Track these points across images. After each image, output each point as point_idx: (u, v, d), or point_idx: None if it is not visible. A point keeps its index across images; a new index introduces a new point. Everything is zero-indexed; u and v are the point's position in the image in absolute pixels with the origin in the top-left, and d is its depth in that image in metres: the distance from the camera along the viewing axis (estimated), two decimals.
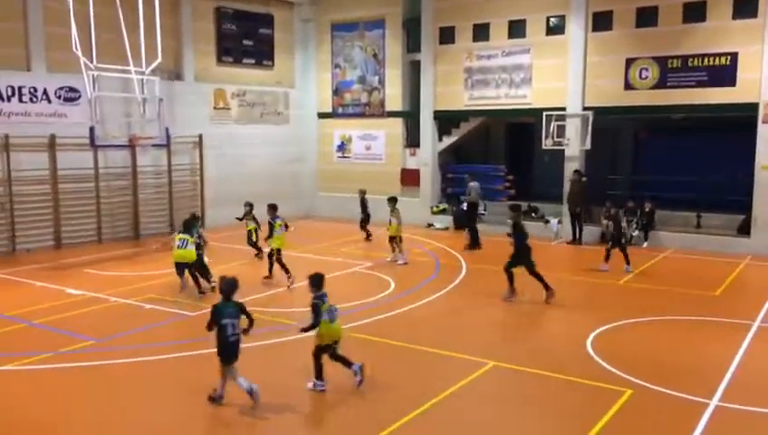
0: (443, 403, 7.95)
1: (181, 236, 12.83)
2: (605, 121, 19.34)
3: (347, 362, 8.38)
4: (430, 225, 21.77)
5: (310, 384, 8.35)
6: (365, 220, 19.37)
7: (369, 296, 12.81)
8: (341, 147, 24.27)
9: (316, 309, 8.17)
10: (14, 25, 17.19)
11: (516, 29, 20.23)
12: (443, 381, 8.55)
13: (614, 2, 18.63)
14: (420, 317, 11.71)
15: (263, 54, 23.03)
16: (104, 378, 8.88)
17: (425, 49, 21.87)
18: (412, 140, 22.88)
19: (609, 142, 20.91)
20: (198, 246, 13.06)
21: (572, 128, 19.24)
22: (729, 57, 17.19)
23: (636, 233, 18.45)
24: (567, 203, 19.19)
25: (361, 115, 23.58)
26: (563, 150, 19.59)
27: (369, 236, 19.16)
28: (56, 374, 8.96)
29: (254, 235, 16.42)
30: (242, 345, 7.96)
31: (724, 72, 17.27)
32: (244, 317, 8.05)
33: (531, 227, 19.96)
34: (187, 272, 12.85)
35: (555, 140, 19.38)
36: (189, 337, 10.42)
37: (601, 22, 18.87)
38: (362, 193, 19.60)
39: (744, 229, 17.64)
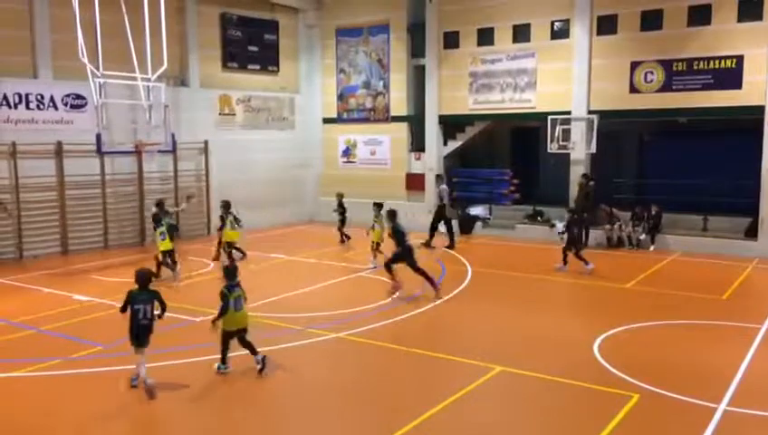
0: (450, 409, 7.94)
1: (161, 230, 14.32)
2: (610, 125, 19.32)
3: (253, 350, 9.06)
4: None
5: (215, 367, 9.05)
6: (342, 223, 19.46)
7: (374, 301, 12.80)
8: (346, 152, 24.30)
9: (223, 298, 8.92)
10: (21, 33, 17.30)
11: (521, 33, 20.24)
12: (449, 386, 8.54)
13: (619, 5, 18.63)
14: (426, 322, 11.70)
15: (268, 60, 23.09)
16: (113, 383, 8.88)
17: (429, 54, 21.90)
18: (417, 145, 22.89)
19: (615, 146, 20.87)
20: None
21: (578, 131, 19.23)
22: (735, 60, 17.16)
23: (643, 236, 18.40)
24: (574, 206, 19.12)
25: (366, 120, 23.61)
26: (569, 154, 19.57)
27: (344, 238, 19.18)
28: (65, 380, 8.99)
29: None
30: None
31: (729, 75, 17.23)
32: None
33: (536, 230, 20.24)
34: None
35: (560, 143, 19.36)
36: (195, 342, 10.43)
37: (606, 25, 18.86)
38: (340, 196, 19.79)
39: (752, 232, 17.58)
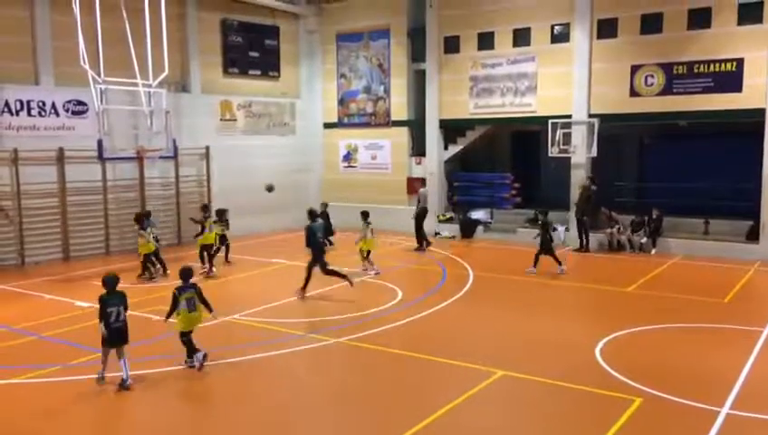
0: (451, 413, 7.92)
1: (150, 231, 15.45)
2: (611, 128, 19.32)
3: (194, 349, 9.49)
4: (437, 233, 21.76)
5: (183, 363, 9.46)
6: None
7: (376, 306, 12.79)
8: (347, 157, 24.32)
9: (174, 298, 9.44)
10: (23, 40, 17.35)
11: (521, 37, 20.27)
12: (451, 390, 8.53)
13: (619, 9, 18.65)
14: (428, 326, 11.69)
15: (268, 65, 23.14)
16: (112, 390, 8.88)
17: (430, 58, 21.94)
18: (418, 149, 22.91)
19: (616, 149, 20.88)
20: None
21: (578, 135, 19.23)
22: (735, 63, 17.17)
23: (644, 240, 18.39)
24: (575, 208, 19.13)
25: (367, 125, 23.64)
26: (569, 158, 19.57)
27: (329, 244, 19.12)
28: (66, 387, 8.98)
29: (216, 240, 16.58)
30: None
31: (729, 78, 17.24)
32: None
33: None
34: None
35: (561, 147, 19.37)
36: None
37: (606, 29, 18.88)
38: (324, 206, 19.77)
39: (753, 235, 17.55)
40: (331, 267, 13.72)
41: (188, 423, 7.95)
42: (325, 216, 19.33)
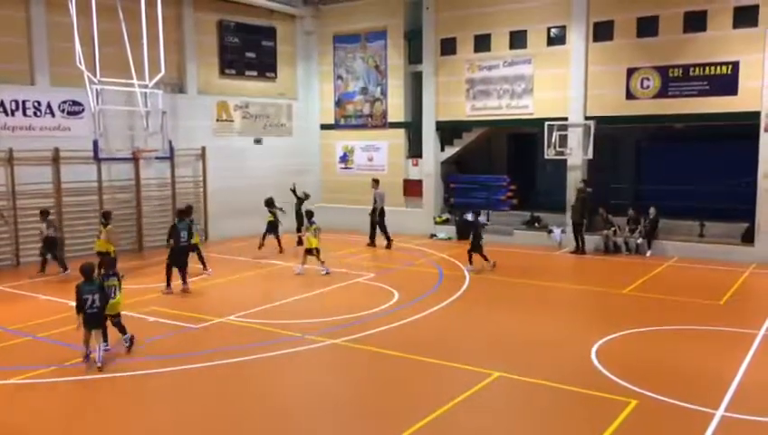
0: (448, 415, 7.92)
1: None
2: (607, 131, 19.36)
3: (123, 330, 10.24)
4: (433, 235, 21.78)
5: (123, 342, 10.23)
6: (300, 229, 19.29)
7: (372, 307, 12.79)
8: (344, 158, 24.32)
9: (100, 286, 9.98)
10: (18, 40, 17.30)
11: (517, 39, 20.30)
12: (448, 392, 8.53)
13: (615, 12, 18.70)
14: (425, 328, 11.69)
15: (265, 67, 23.12)
16: (108, 391, 8.87)
17: (426, 60, 21.95)
18: (414, 151, 22.92)
19: (612, 152, 20.92)
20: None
21: (574, 137, 19.26)
22: (730, 66, 17.23)
23: (639, 241, 18.43)
24: (571, 211, 19.18)
25: (364, 126, 23.65)
26: (566, 160, 19.61)
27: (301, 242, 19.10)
28: (60, 388, 8.96)
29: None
30: None
31: (725, 81, 17.29)
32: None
33: (534, 236, 20.26)
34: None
35: (557, 149, 19.39)
36: (193, 350, 10.42)
37: (602, 32, 18.93)
38: (305, 196, 20.13)
39: (748, 238, 17.61)
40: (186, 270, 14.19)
41: (186, 425, 7.92)
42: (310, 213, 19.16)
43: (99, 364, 9.43)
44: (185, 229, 14.45)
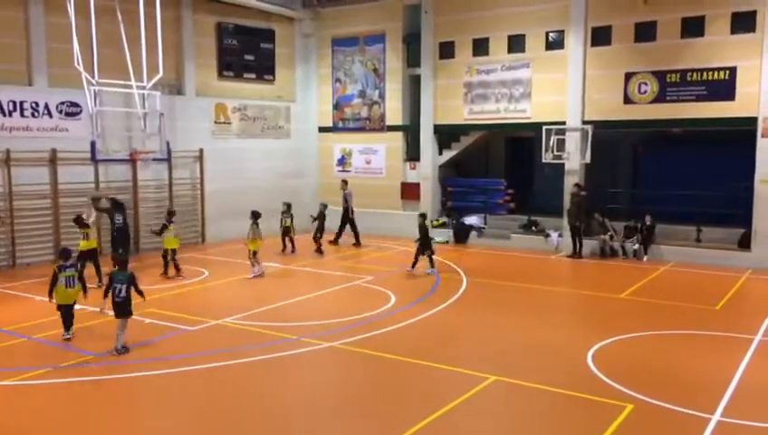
0: (444, 418, 7.91)
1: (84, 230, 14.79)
2: (605, 135, 19.39)
3: (69, 324, 10.91)
4: (431, 238, 21.75)
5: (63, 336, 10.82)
6: (319, 232, 19.55)
7: (369, 310, 12.78)
8: (342, 161, 24.32)
9: (53, 275, 10.77)
10: (17, 41, 17.27)
11: (516, 44, 20.33)
12: (444, 395, 8.52)
13: (613, 17, 18.74)
14: (421, 331, 11.68)
15: (264, 69, 23.12)
16: (104, 392, 8.86)
17: (425, 63, 21.98)
18: (412, 154, 22.93)
19: (609, 156, 20.94)
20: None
21: (572, 142, 19.28)
22: (728, 71, 17.27)
23: (636, 246, 18.45)
24: (567, 216, 19.21)
25: (362, 129, 23.65)
26: (563, 164, 19.63)
27: (320, 248, 19.25)
28: (56, 389, 8.94)
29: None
30: None
31: (722, 87, 17.34)
32: None
33: (531, 240, 20.27)
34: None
35: (555, 153, 19.41)
36: (189, 351, 10.40)
37: (600, 36, 18.96)
38: (324, 206, 20.12)
39: (745, 243, 17.63)
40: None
41: (183, 426, 7.90)
42: (322, 217, 19.61)
43: (120, 347, 10.10)
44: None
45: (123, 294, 10.20)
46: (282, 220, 19.21)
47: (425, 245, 16.32)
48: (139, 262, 17.89)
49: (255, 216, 16.29)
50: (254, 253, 15.97)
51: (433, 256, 16.39)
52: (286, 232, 19.10)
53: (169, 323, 11.91)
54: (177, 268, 15.97)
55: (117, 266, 10.70)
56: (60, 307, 10.83)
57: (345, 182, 21.56)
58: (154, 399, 8.76)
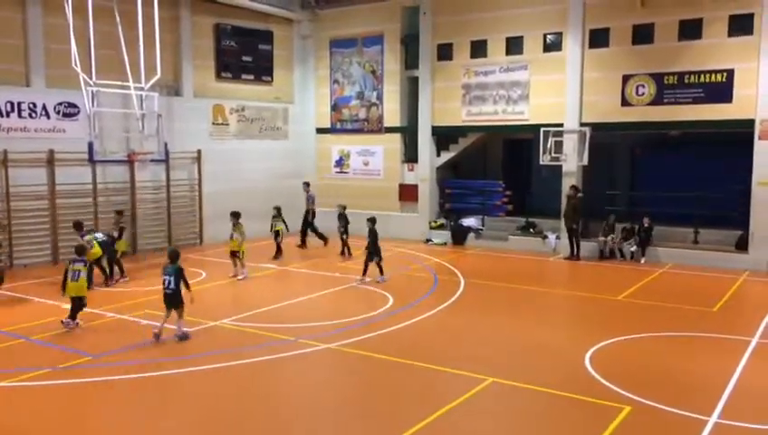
0: (441, 420, 7.91)
1: (87, 238, 14.56)
2: (602, 137, 19.42)
3: (74, 314, 11.55)
4: (428, 240, 21.79)
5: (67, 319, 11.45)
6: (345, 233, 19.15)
7: (366, 312, 12.78)
8: (340, 162, 24.32)
9: (65, 270, 11.61)
10: (14, 42, 17.26)
11: (514, 46, 20.36)
12: (442, 397, 8.52)
13: (610, 19, 18.77)
14: (418, 333, 11.68)
15: (262, 70, 23.12)
16: (101, 393, 8.84)
17: (423, 65, 21.99)
18: (410, 156, 22.94)
19: (607, 158, 20.98)
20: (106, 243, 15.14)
21: (570, 144, 19.31)
22: (725, 74, 17.31)
23: (634, 248, 18.47)
24: (563, 219, 19.23)
25: (360, 131, 23.66)
26: (561, 166, 19.65)
27: (346, 250, 19.04)
28: (53, 390, 8.92)
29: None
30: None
31: (720, 89, 17.37)
32: None
33: (529, 242, 20.29)
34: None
35: (553, 155, 19.44)
36: (185, 353, 10.40)
37: (598, 39, 19.00)
38: (342, 208, 19.33)
39: (742, 245, 17.66)
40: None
41: (180, 427, 7.89)
42: (344, 217, 19.10)
43: (180, 334, 10.76)
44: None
45: (172, 286, 10.68)
46: (272, 225, 18.85)
47: (373, 252, 15.50)
48: (136, 262, 17.89)
49: (236, 216, 16.29)
50: (241, 254, 15.95)
51: (382, 263, 15.55)
52: (276, 236, 18.70)
53: (167, 324, 11.88)
54: (122, 271, 15.68)
55: (168, 259, 11.06)
56: (71, 299, 11.57)
57: (308, 184, 21.50)
58: (152, 400, 8.74)
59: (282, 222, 18.82)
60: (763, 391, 8.92)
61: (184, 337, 10.81)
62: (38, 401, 8.60)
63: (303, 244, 20.73)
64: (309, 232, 20.86)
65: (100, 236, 15.32)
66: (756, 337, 11.22)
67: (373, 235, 15.71)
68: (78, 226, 15.06)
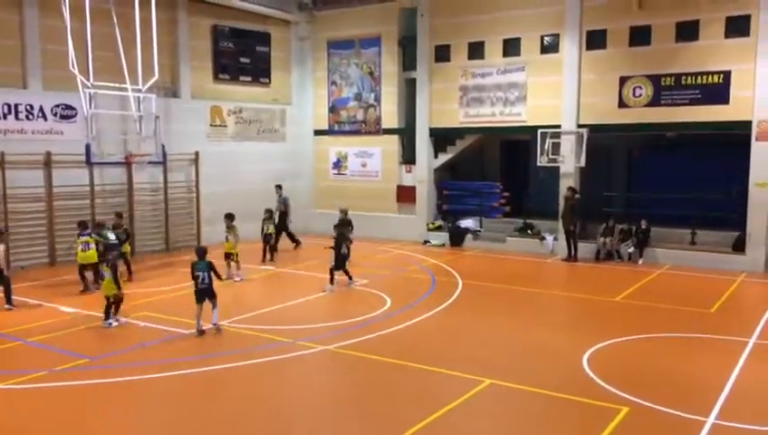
0: (439, 422, 7.91)
1: (83, 239, 14.26)
2: (599, 139, 19.44)
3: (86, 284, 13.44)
4: (426, 241, 21.80)
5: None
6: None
7: (365, 313, 12.77)
8: (337, 164, 24.32)
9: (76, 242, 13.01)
10: (11, 43, 17.23)
11: (511, 47, 20.37)
12: (439, 399, 8.52)
13: (607, 21, 18.80)
14: (416, 334, 11.68)
15: (259, 72, 23.11)
16: (98, 396, 8.82)
17: (420, 67, 22.01)
18: (408, 157, 22.95)
19: (604, 159, 21.00)
20: (110, 247, 14.24)
21: (567, 145, 19.32)
22: (722, 75, 17.34)
23: (631, 250, 18.49)
24: (561, 220, 19.24)
25: (357, 132, 23.66)
26: (558, 167, 19.67)
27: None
28: (50, 393, 8.89)
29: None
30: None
31: (717, 90, 17.40)
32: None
33: (526, 243, 20.31)
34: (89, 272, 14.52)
35: (550, 157, 19.46)
36: (183, 355, 10.39)
37: (595, 40, 19.02)
38: (344, 212, 18.72)
39: (739, 246, 17.68)
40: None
41: (180, 429, 7.88)
42: (347, 223, 18.05)
43: (214, 324, 11.40)
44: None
45: (207, 281, 11.26)
46: (263, 227, 18.20)
47: (340, 262, 14.89)
48: (134, 264, 17.84)
49: (231, 217, 16.24)
50: (236, 255, 15.94)
51: (348, 270, 15.14)
52: (267, 239, 18.13)
53: (165, 326, 11.88)
54: (130, 272, 15.61)
55: (197, 256, 11.51)
56: (79, 265, 12.79)
57: (280, 187, 20.71)
58: (151, 402, 8.72)
59: (272, 224, 18.41)
60: (760, 392, 8.93)
61: (219, 330, 11.45)
62: (37, 402, 8.58)
63: (295, 242, 20.49)
64: (283, 234, 20.07)
65: (112, 236, 14.93)
66: (754, 338, 11.24)
67: (339, 243, 14.98)
68: (82, 225, 14.67)
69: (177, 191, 20.73)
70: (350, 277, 15.26)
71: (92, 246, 14.32)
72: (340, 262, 14.98)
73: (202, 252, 11.56)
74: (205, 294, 11.34)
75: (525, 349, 10.80)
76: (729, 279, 16.12)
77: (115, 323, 11.88)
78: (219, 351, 10.56)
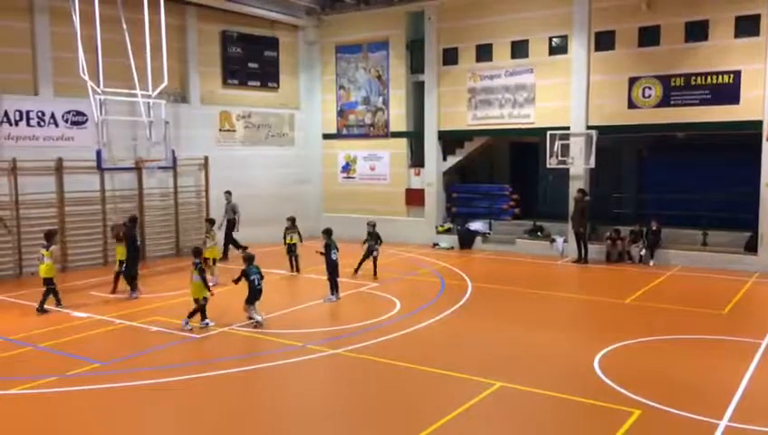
0: (450, 425, 7.88)
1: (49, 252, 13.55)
2: (609, 140, 19.38)
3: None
4: (435, 244, 21.77)
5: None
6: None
7: (374, 317, 12.76)
8: (346, 167, 24.35)
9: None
10: (22, 51, 17.39)
11: (519, 49, 20.35)
12: (450, 402, 8.49)
13: (616, 21, 18.74)
14: (426, 337, 11.66)
15: (268, 77, 23.20)
16: (109, 401, 8.85)
17: (428, 70, 22.01)
18: (416, 161, 22.95)
19: (614, 161, 20.92)
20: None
21: (576, 147, 19.26)
22: (732, 75, 17.24)
23: (643, 252, 18.39)
24: (571, 222, 19.17)
25: (366, 136, 23.68)
26: (568, 169, 19.61)
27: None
28: (61, 398, 8.94)
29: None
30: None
31: (727, 91, 17.31)
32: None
33: (536, 245, 20.24)
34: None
35: (560, 158, 19.40)
36: (194, 360, 10.41)
37: (604, 41, 18.97)
38: (372, 226, 17.32)
39: (751, 247, 17.55)
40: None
41: (189, 433, 7.91)
42: (376, 235, 17.01)
43: (261, 318, 12.12)
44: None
45: (259, 282, 12.12)
46: (285, 237, 17.38)
47: (330, 269, 14.29)
48: (144, 268, 17.93)
49: (211, 223, 16.66)
50: (214, 261, 16.03)
51: (337, 283, 14.41)
52: (291, 250, 17.32)
53: (176, 331, 11.92)
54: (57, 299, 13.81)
55: (247, 262, 12.20)
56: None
57: (229, 193, 19.99)
58: (162, 407, 8.75)
59: (297, 234, 17.43)
60: None
61: (260, 324, 12.12)
62: (48, 407, 8.62)
63: (240, 248, 18.48)
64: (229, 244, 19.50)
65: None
66: (766, 340, 11.13)
67: (328, 248, 14.40)
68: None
69: (187, 196, 20.82)
70: (336, 291, 14.30)
71: (46, 259, 13.34)
72: (331, 270, 14.28)
73: (252, 257, 12.30)
74: (260, 294, 12.22)
75: (536, 351, 10.75)
76: (741, 280, 15.99)
77: (211, 323, 12.19)
78: (229, 355, 10.58)
